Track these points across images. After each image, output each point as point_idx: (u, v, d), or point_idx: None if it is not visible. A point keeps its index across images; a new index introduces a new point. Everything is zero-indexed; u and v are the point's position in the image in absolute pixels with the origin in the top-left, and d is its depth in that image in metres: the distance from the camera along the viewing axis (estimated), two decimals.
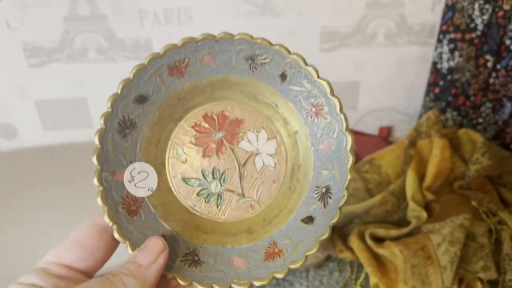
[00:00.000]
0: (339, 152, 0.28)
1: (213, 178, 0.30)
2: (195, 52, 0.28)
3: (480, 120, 0.84)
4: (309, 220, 0.29)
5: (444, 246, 0.58)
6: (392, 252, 0.60)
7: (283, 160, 0.30)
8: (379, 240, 0.64)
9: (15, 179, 0.78)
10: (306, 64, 0.28)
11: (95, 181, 0.26)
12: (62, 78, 0.81)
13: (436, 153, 0.69)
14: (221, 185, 0.30)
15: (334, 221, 0.27)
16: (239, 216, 0.30)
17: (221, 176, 0.30)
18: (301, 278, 0.61)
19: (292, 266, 0.27)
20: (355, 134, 0.87)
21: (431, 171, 0.69)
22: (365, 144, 0.83)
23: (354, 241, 0.63)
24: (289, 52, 0.28)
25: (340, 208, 0.27)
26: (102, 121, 0.27)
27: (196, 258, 0.28)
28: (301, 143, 0.30)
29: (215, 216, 0.30)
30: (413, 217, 0.65)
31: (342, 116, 0.28)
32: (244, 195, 0.30)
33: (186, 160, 0.29)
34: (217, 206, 0.30)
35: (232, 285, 0.27)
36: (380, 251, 0.61)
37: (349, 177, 0.27)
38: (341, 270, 0.62)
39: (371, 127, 0.91)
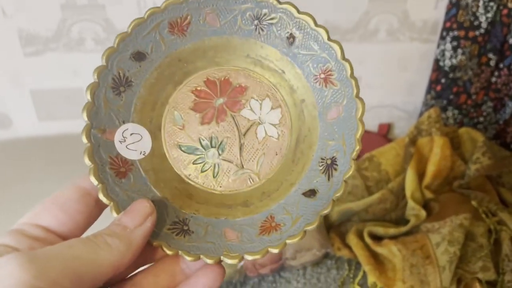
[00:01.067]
0: (348, 120, 0.26)
1: (211, 146, 0.28)
2: (198, 9, 0.27)
3: (481, 119, 0.83)
4: (311, 193, 0.26)
5: (443, 246, 0.58)
6: (390, 250, 0.59)
7: (287, 131, 0.28)
8: (377, 238, 0.63)
9: (8, 170, 0.77)
10: (316, 24, 0.26)
11: (83, 137, 0.25)
12: (58, 68, 0.79)
13: (437, 151, 0.69)
14: (219, 154, 0.28)
15: (338, 194, 0.25)
16: (237, 188, 0.28)
17: (219, 144, 0.28)
18: (298, 276, 0.60)
19: (289, 241, 0.24)
20: None
21: (431, 169, 0.68)
22: (364, 141, 0.82)
23: (352, 239, 0.62)
24: (298, 11, 0.26)
25: (345, 181, 0.25)
26: (95, 76, 0.26)
27: (185, 228, 0.26)
28: (308, 112, 0.28)
29: (211, 187, 0.27)
30: (412, 216, 0.64)
31: (353, 82, 0.26)
32: (243, 167, 0.28)
33: (183, 126, 0.28)
34: (214, 177, 0.28)
35: (222, 257, 0.24)
36: (379, 249, 0.60)
37: (357, 147, 0.25)
38: (339, 268, 0.62)
39: (371, 124, 0.91)
